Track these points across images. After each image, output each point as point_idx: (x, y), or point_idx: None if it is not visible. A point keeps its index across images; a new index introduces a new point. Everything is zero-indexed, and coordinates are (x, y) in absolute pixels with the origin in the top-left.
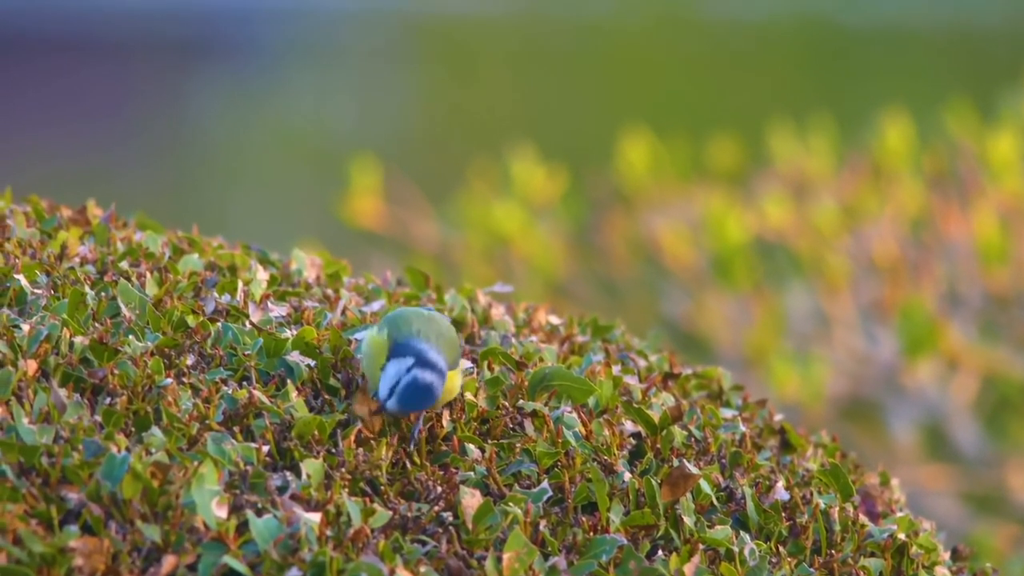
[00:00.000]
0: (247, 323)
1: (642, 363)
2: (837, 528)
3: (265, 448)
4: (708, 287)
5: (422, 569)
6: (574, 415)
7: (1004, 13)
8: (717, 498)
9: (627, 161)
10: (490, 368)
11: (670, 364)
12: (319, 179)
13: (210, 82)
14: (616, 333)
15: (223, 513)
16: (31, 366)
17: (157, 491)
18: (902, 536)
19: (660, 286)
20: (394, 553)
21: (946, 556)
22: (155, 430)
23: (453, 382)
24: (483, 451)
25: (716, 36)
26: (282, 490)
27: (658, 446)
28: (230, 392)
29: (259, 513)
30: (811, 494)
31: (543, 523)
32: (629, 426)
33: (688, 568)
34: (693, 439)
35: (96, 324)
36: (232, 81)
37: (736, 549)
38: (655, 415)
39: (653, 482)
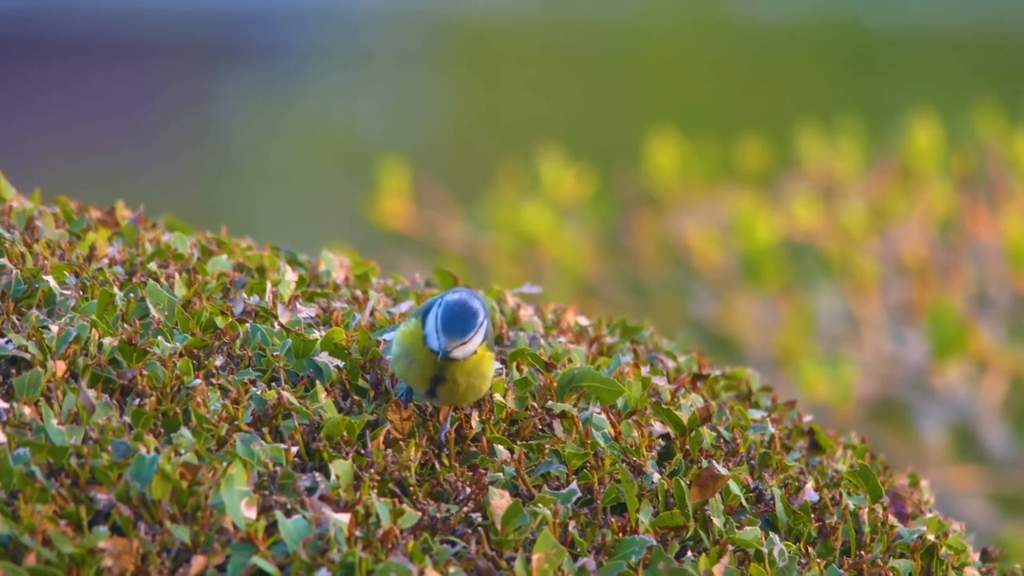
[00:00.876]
0: (276, 324)
1: (671, 364)
2: (866, 529)
3: (294, 449)
4: (737, 288)
5: (451, 570)
6: (603, 416)
7: None
8: (746, 499)
9: (655, 162)
10: (519, 369)
11: (699, 365)
12: (348, 181)
13: (239, 84)
14: (645, 334)
15: (252, 514)
16: (60, 367)
17: (186, 492)
18: (931, 537)
19: (689, 287)
20: (423, 554)
21: (975, 557)
22: (184, 431)
23: (488, 364)
24: (512, 452)
25: (744, 38)
26: (311, 491)
27: (687, 447)
28: (259, 393)
29: (288, 514)
30: (840, 495)
31: (572, 524)
32: (658, 427)
33: (717, 569)
34: (722, 440)
35: (125, 325)
36: (261, 83)
37: (765, 550)
38: (684, 416)
39: (682, 483)
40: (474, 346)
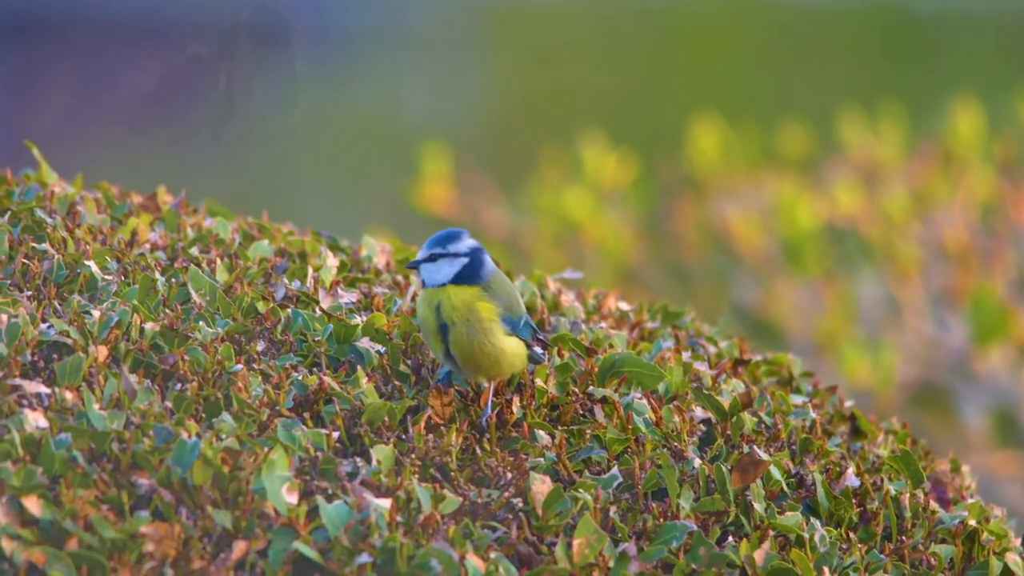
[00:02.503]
0: (317, 309)
1: (712, 349)
2: (908, 514)
3: (335, 434)
4: (779, 274)
5: (492, 555)
6: (644, 401)
7: None
8: (787, 484)
9: (697, 147)
10: (560, 354)
11: (740, 350)
12: (390, 166)
13: (282, 69)
14: (686, 319)
15: (293, 499)
16: (102, 352)
17: (228, 477)
18: (973, 522)
19: (730, 272)
20: (464, 539)
21: (1017, 542)
22: (225, 416)
23: (485, 311)
24: (553, 437)
25: (786, 22)
26: (352, 476)
27: (728, 432)
28: (300, 378)
29: (329, 499)
30: (882, 480)
31: (613, 509)
32: (699, 412)
33: (758, 554)
34: (763, 425)
35: (167, 310)
36: (304, 68)
37: (806, 535)
38: (725, 401)
39: (723, 468)
40: (447, 272)
